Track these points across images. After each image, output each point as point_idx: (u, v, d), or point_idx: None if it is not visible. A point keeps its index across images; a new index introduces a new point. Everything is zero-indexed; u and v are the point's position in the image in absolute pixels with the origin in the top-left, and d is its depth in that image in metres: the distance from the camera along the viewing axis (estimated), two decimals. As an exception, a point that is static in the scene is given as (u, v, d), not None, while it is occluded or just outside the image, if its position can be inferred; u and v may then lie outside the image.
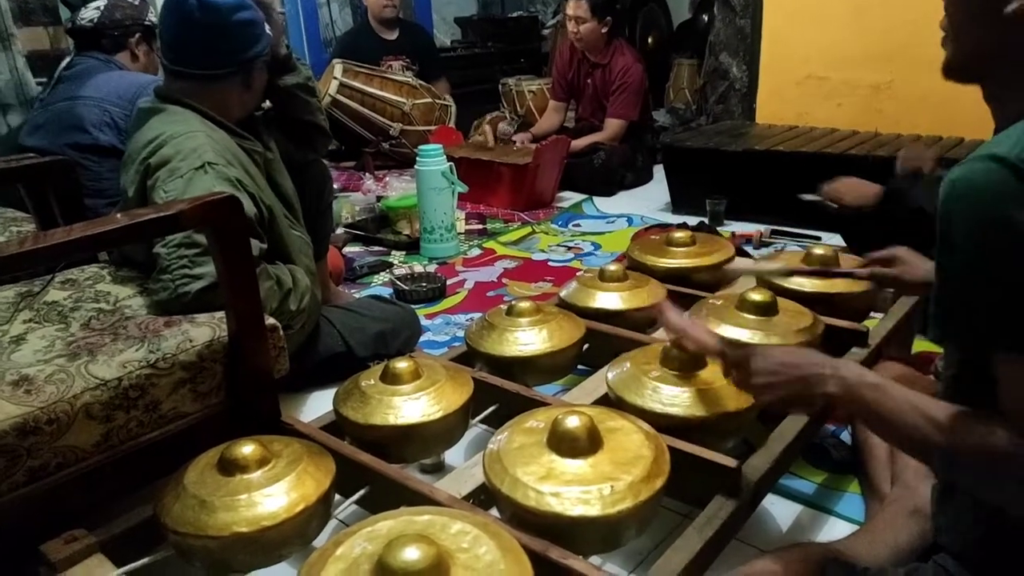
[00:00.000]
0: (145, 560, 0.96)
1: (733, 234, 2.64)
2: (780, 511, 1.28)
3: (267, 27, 1.63)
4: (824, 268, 1.49)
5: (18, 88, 3.60)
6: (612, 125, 3.56)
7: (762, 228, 2.71)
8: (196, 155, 1.40)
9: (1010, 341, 0.70)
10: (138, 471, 1.09)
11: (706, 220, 2.83)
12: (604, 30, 3.50)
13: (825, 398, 0.89)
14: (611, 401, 1.20)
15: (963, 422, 0.74)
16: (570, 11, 3.50)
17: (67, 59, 2.17)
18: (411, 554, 0.77)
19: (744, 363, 1.00)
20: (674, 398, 1.14)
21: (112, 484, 1.08)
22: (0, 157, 1.79)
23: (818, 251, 1.55)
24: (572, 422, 0.98)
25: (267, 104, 1.81)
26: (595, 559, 1.05)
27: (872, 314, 1.57)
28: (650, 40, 5.32)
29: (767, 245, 2.64)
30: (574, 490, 0.91)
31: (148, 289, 1.33)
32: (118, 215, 1.07)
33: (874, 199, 1.98)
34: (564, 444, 0.97)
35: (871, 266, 1.41)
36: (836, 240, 2.45)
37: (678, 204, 3.11)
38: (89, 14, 2.12)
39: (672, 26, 5.47)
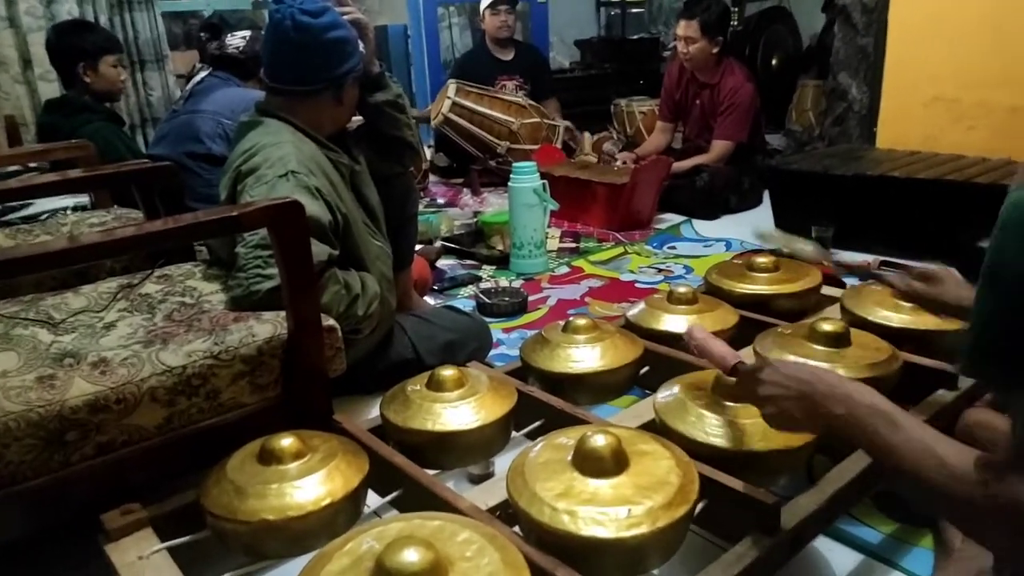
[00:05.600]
0: (186, 538, 1.02)
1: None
2: (838, 558, 1.19)
3: (360, 45, 1.71)
4: (861, 270, 1.41)
5: (166, 104, 4.00)
6: (718, 146, 3.45)
7: (871, 259, 2.53)
8: (281, 164, 1.49)
9: None
10: (195, 454, 1.16)
11: (810, 247, 2.68)
12: (715, 50, 3.41)
13: (830, 419, 0.83)
14: (656, 426, 1.16)
15: (987, 472, 0.66)
16: (680, 31, 3.45)
17: (200, 76, 2.38)
18: (409, 556, 0.78)
19: (753, 375, 0.94)
20: (718, 428, 1.09)
21: (170, 464, 1.16)
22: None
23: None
24: (597, 441, 0.96)
25: (359, 119, 1.90)
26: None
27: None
28: (774, 61, 5.14)
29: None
30: (590, 510, 0.89)
31: (227, 286, 1.42)
32: (189, 214, 1.16)
33: None
34: (588, 463, 0.95)
35: (909, 281, 1.34)
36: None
37: (782, 230, 2.96)
38: (236, 42, 2.34)
39: (801, 47, 5.26)
